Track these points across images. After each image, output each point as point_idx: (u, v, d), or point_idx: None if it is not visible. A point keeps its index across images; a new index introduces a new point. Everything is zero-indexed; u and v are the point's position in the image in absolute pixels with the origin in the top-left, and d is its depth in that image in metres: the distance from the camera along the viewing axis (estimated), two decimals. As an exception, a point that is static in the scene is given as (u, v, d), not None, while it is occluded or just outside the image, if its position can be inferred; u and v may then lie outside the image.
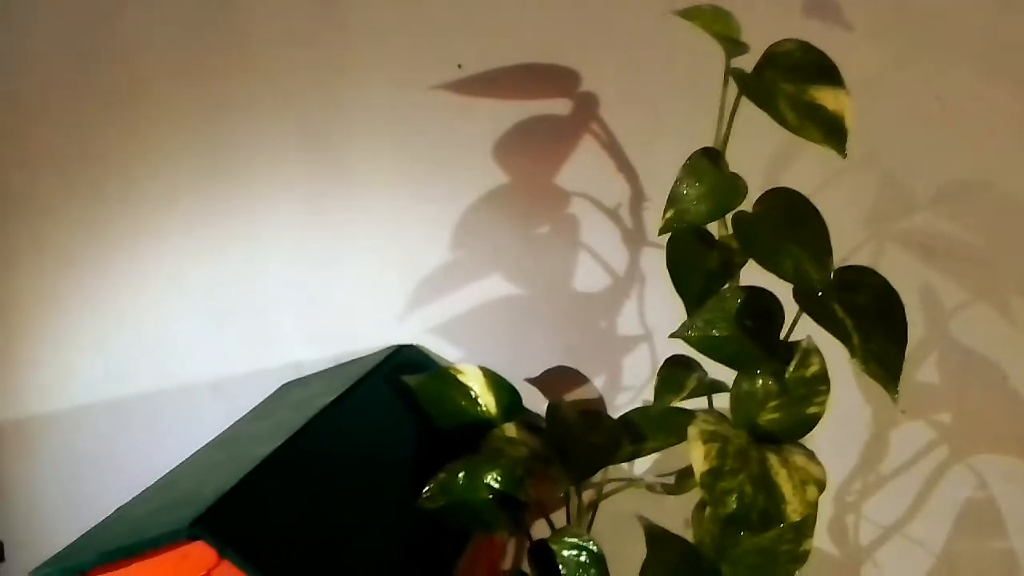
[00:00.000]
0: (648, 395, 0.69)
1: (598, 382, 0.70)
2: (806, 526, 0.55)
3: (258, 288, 0.78)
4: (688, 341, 0.52)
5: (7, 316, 0.87)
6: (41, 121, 0.79)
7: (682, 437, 0.61)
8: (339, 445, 0.59)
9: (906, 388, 0.63)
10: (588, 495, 0.67)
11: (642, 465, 0.72)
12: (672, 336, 0.52)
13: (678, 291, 0.50)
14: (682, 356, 0.58)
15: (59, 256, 0.84)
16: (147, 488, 0.59)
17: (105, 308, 0.84)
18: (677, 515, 0.63)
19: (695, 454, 0.50)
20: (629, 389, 0.70)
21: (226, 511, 0.48)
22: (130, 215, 0.80)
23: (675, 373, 0.55)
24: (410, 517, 0.57)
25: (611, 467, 0.67)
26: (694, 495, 0.58)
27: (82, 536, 0.54)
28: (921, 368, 0.62)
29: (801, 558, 0.54)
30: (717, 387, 0.55)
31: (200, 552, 0.47)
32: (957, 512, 0.64)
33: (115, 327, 0.84)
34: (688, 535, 0.52)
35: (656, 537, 0.49)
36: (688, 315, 0.50)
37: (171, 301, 0.81)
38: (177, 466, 0.62)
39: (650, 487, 0.67)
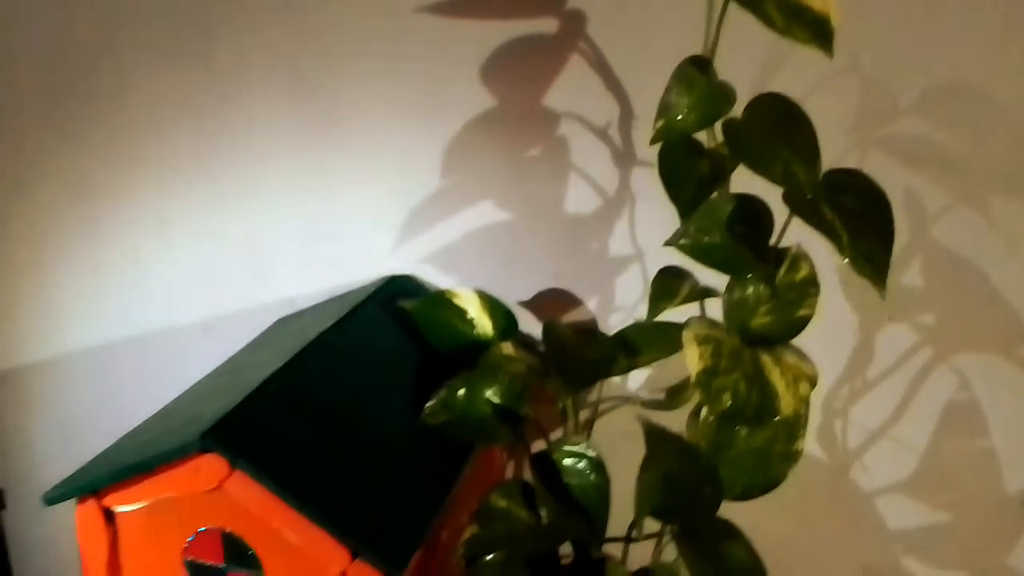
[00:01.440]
0: (640, 314, 0.70)
1: (591, 303, 0.72)
2: (798, 426, 0.57)
3: (248, 225, 0.78)
4: (681, 248, 0.53)
5: (-7, 266, 0.87)
6: (21, 60, 0.78)
7: (675, 349, 0.63)
8: (341, 365, 0.60)
9: (891, 293, 0.65)
10: (583, 414, 0.69)
11: (635, 385, 0.74)
12: (666, 244, 0.53)
13: (671, 198, 0.51)
14: (675, 267, 0.59)
15: (43, 204, 0.83)
16: (150, 417, 0.60)
17: (91, 254, 0.84)
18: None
19: (690, 355, 0.51)
20: (621, 309, 0.71)
21: (235, 425, 0.49)
22: (114, 159, 0.79)
23: (669, 282, 0.56)
24: (413, 433, 0.58)
25: (605, 386, 0.68)
26: (686, 411, 0.60)
27: (93, 459, 0.55)
28: (905, 273, 0.63)
29: (793, 457, 0.56)
30: (709, 293, 0.56)
31: (211, 465, 0.48)
32: (941, 412, 0.67)
33: (102, 271, 0.84)
34: None
35: (655, 435, 0.50)
36: (680, 222, 0.51)
37: (158, 242, 0.81)
38: (177, 396, 0.63)
39: (643, 404, 0.69)
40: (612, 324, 0.71)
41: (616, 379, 0.72)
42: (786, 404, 0.50)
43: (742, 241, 0.54)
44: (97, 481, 0.50)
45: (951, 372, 0.65)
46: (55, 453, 0.93)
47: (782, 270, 0.55)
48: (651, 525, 0.57)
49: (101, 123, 0.78)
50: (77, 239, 0.82)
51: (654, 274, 0.69)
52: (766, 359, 0.52)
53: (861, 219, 0.51)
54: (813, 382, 0.51)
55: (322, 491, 0.48)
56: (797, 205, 0.51)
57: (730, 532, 0.55)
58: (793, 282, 0.55)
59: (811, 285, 0.55)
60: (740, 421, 0.51)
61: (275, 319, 0.79)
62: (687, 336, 0.52)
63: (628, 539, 0.57)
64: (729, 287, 0.55)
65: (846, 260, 0.49)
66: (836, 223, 0.50)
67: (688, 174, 0.52)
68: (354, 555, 0.47)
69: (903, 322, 0.65)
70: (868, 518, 0.70)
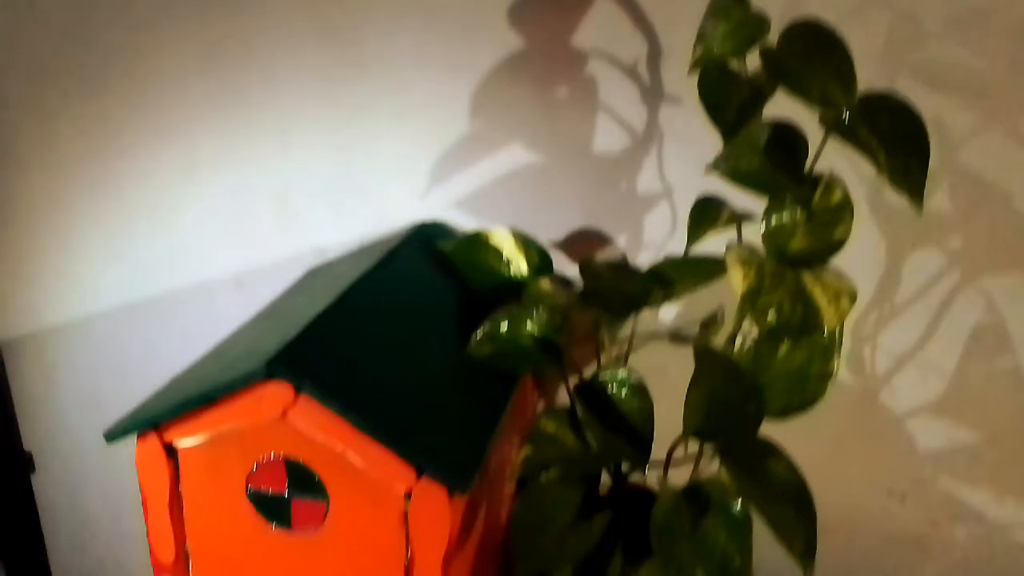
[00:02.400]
0: (670, 250, 0.71)
1: (620, 241, 0.73)
2: (833, 347, 0.59)
3: (276, 175, 0.79)
4: (722, 173, 0.55)
5: (16, 228, 0.87)
6: (42, 11, 0.78)
7: (708, 279, 0.65)
8: (387, 302, 0.61)
9: (918, 218, 0.67)
10: (616, 351, 0.70)
11: (665, 321, 0.76)
12: (707, 170, 0.54)
13: (714, 122, 0.52)
14: (711, 196, 0.60)
15: (66, 161, 0.83)
16: (201, 357, 0.61)
17: (116, 209, 0.84)
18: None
19: (734, 275, 0.53)
20: (651, 246, 0.72)
21: (298, 352, 0.50)
22: (138, 109, 0.79)
23: (707, 208, 0.57)
24: (460, 365, 0.59)
25: (637, 323, 0.70)
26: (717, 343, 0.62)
27: (151, 395, 0.56)
28: (932, 198, 0.65)
29: (829, 375, 0.58)
30: (746, 218, 0.58)
31: (276, 392, 0.49)
32: (968, 335, 0.68)
33: (127, 228, 0.85)
34: None
35: (704, 354, 0.52)
36: (724, 144, 0.53)
37: (185, 195, 0.82)
38: (223, 340, 0.64)
39: (674, 339, 0.71)
40: (642, 261, 0.72)
41: (646, 317, 0.73)
42: (829, 319, 0.52)
43: (779, 166, 0.56)
44: (158, 415, 0.51)
45: (977, 295, 0.67)
46: (84, 416, 0.94)
47: (817, 194, 0.57)
48: (685, 449, 0.59)
49: (124, 75, 0.78)
50: (101, 194, 0.83)
51: (682, 212, 0.71)
52: (807, 277, 0.53)
53: (896, 137, 0.53)
54: (853, 298, 0.53)
55: (386, 413, 0.49)
56: (834, 126, 0.53)
57: (771, 450, 0.57)
58: (828, 206, 0.57)
59: (845, 208, 0.57)
60: (785, 336, 0.53)
61: (305, 271, 0.80)
62: (730, 258, 0.54)
63: (668, 462, 0.59)
64: (766, 212, 0.57)
65: (884, 177, 0.51)
66: (873, 142, 0.52)
67: (729, 99, 0.53)
68: (419, 474, 0.49)
69: (930, 247, 0.67)
70: (895, 441, 0.73)
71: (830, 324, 0.51)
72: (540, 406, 0.78)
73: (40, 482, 0.99)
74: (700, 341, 0.53)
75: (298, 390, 0.48)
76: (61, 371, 0.93)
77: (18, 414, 0.97)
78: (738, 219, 0.57)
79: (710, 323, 0.70)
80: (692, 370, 0.58)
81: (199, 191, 0.81)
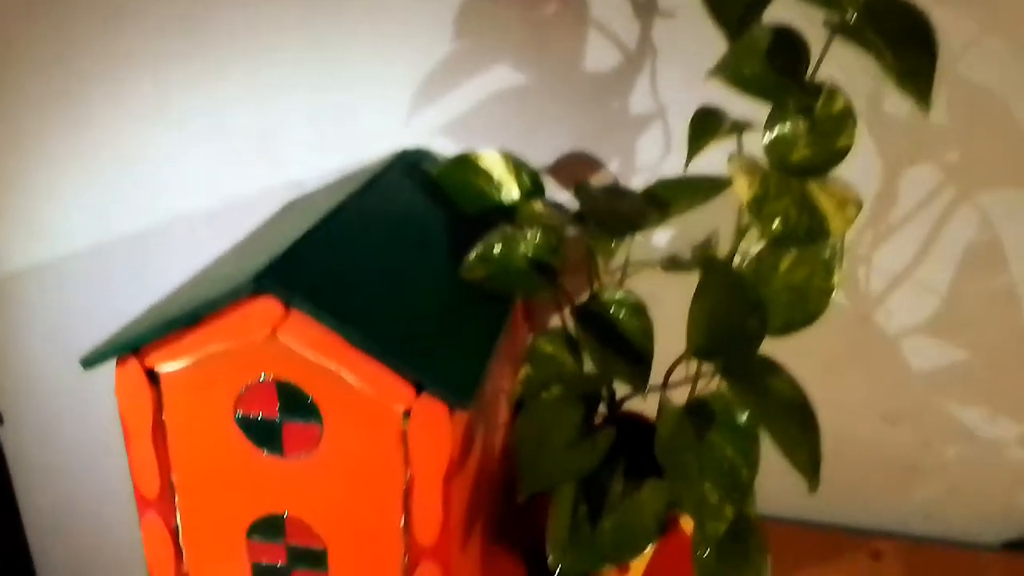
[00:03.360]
0: (664, 172, 0.69)
1: (612, 165, 0.71)
2: (834, 261, 0.58)
3: (251, 104, 0.75)
4: (723, 78, 0.53)
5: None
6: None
7: (704, 199, 0.63)
8: (375, 224, 0.59)
9: (915, 132, 0.66)
10: (609, 278, 0.69)
11: (657, 249, 0.74)
12: (709, 74, 0.52)
13: (718, 23, 0.50)
14: (710, 107, 0.59)
15: (29, 96, 0.79)
16: (179, 285, 0.58)
17: (86, 148, 0.80)
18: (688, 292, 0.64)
19: (739, 183, 0.51)
20: (643, 170, 0.70)
21: (286, 267, 0.47)
22: (107, 41, 0.75)
23: (708, 119, 0.56)
24: (453, 287, 0.57)
25: (631, 250, 0.68)
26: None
27: (132, 320, 0.53)
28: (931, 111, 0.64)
29: (831, 289, 0.57)
30: (748, 127, 0.56)
31: (264, 309, 0.46)
32: (963, 253, 0.68)
33: (96, 165, 0.80)
34: None
35: (711, 264, 0.50)
36: (729, 44, 0.51)
37: (158, 132, 0.77)
38: (201, 269, 0.61)
39: (668, 266, 0.70)
40: (635, 185, 0.70)
41: (638, 245, 0.71)
42: (835, 226, 0.51)
43: (782, 71, 0.54)
44: (138, 338, 0.48)
45: (973, 211, 0.66)
46: (54, 363, 0.90)
47: (819, 102, 0.55)
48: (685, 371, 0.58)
49: (91, 12, 0.73)
50: (68, 131, 0.78)
51: (676, 133, 0.69)
52: (812, 186, 0.52)
53: (903, 38, 0.51)
54: (859, 205, 0.52)
55: (382, 329, 0.47)
56: (840, 28, 0.51)
57: (772, 367, 0.56)
58: (830, 114, 0.55)
59: (848, 116, 0.55)
60: (792, 244, 0.52)
61: (282, 205, 0.77)
62: (734, 167, 0.52)
63: (666, 382, 0.58)
64: (768, 122, 0.55)
65: (891, 78, 0.49)
66: (879, 42, 0.50)
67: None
68: (418, 391, 0.47)
69: (927, 163, 0.66)
70: (889, 364, 0.73)
71: (837, 231, 0.50)
72: (529, 338, 0.77)
73: (8, 434, 0.96)
74: (705, 254, 0.51)
75: (288, 305, 0.46)
76: (27, 317, 0.89)
77: (-17, 364, 0.94)
78: (739, 128, 0.55)
79: (704, 248, 0.69)
80: (685, 297, 0.57)
81: (171, 125, 0.77)
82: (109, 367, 0.84)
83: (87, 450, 0.94)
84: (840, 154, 0.55)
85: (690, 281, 0.61)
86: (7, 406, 0.94)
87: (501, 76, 0.70)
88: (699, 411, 0.52)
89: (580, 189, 0.64)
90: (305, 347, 0.47)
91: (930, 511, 0.77)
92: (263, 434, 0.50)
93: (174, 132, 0.77)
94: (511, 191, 0.66)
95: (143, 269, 0.84)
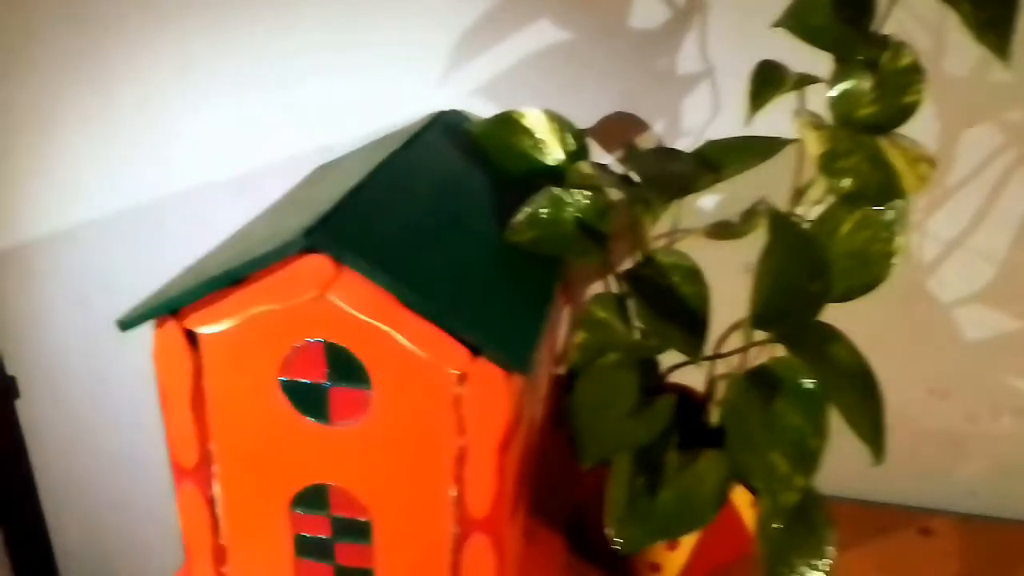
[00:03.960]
0: (710, 135, 0.67)
1: (658, 127, 0.68)
2: (897, 224, 0.56)
3: (277, 67, 0.72)
4: (790, 28, 0.50)
5: (-8, 133, 0.80)
6: None
7: (757, 161, 0.61)
8: (416, 183, 0.56)
9: (976, 92, 0.63)
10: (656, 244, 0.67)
11: (703, 215, 0.72)
12: (774, 25, 0.50)
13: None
14: (773, 61, 0.56)
15: (49, 58, 0.76)
16: (219, 244, 0.55)
17: (104, 108, 0.77)
18: (733, 261, 0.62)
19: (810, 139, 0.49)
20: (689, 133, 0.68)
21: (338, 224, 0.45)
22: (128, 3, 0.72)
23: (771, 72, 0.53)
24: (501, 249, 0.55)
25: (677, 216, 0.66)
26: (752, 240, 0.58)
27: (168, 282, 0.51)
28: (992, 66, 0.62)
29: (894, 253, 0.55)
30: (813, 80, 0.54)
31: (314, 267, 0.44)
32: (1020, 219, 0.66)
33: (116, 128, 0.78)
34: (746, 280, 0.52)
35: (778, 220, 0.48)
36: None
37: (180, 92, 0.75)
38: (237, 230, 0.59)
39: (709, 234, 0.67)
40: (681, 148, 0.68)
41: (683, 211, 0.69)
42: (908, 184, 0.49)
43: (848, 22, 0.52)
44: (178, 298, 0.46)
45: (1034, 174, 0.64)
46: (72, 334, 0.88)
47: (886, 56, 0.53)
48: (735, 342, 0.56)
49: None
50: (87, 92, 0.76)
51: (725, 94, 0.67)
52: (883, 142, 0.50)
53: (981, -13, 0.49)
54: (932, 164, 0.50)
55: (436, 289, 0.45)
56: (916, -25, 0.49)
57: (832, 333, 0.54)
58: (897, 68, 0.53)
59: (916, 71, 0.53)
60: (864, 202, 0.49)
61: (311, 170, 0.74)
62: (802, 123, 0.50)
63: (718, 348, 0.56)
64: (834, 76, 0.53)
65: (970, 29, 0.47)
66: (958, -10, 0.48)
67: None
68: (474, 354, 0.44)
69: (986, 123, 0.63)
70: (939, 336, 0.70)
71: (911, 189, 0.48)
72: (566, 311, 0.75)
73: (25, 407, 0.94)
74: (774, 209, 0.49)
75: (340, 262, 0.43)
76: (46, 286, 0.87)
77: (-2, 336, 0.91)
78: (805, 83, 0.53)
79: (752, 215, 0.67)
80: (726, 268, 0.56)
81: (193, 87, 0.74)
82: (135, 336, 0.82)
83: (104, 424, 0.92)
84: (907, 111, 0.53)
85: (733, 251, 0.59)
86: (24, 379, 0.92)
87: (540, 33, 0.67)
88: (763, 378, 0.50)
89: (630, 149, 0.61)
90: (356, 307, 0.44)
91: (976, 488, 0.76)
92: (309, 400, 0.48)
93: (196, 93, 0.75)
94: (555, 152, 0.63)
95: (164, 238, 0.82)
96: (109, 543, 1.00)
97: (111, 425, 0.92)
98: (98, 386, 0.90)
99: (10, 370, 0.92)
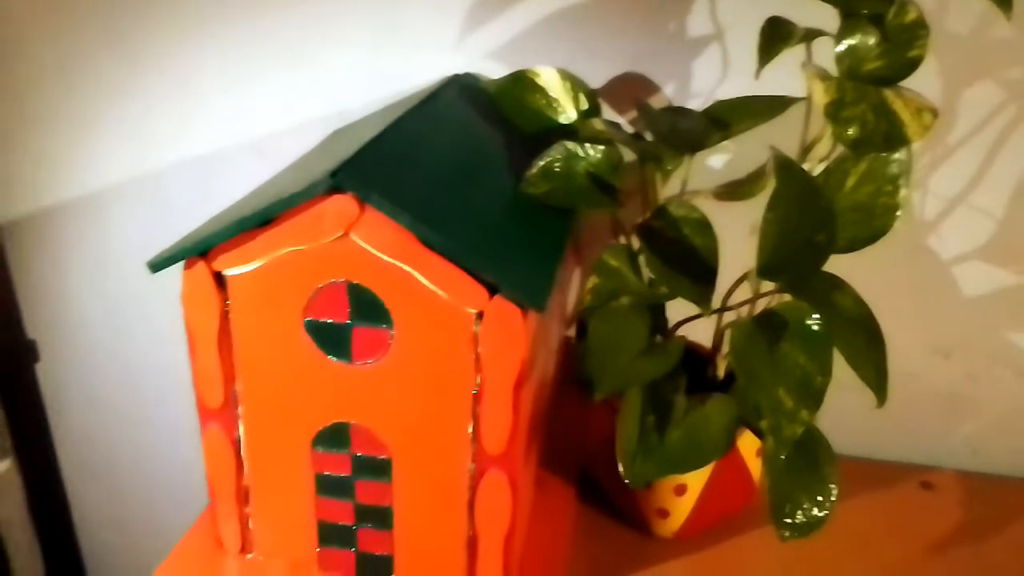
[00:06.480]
0: (720, 95, 0.68)
1: (668, 89, 0.70)
2: (902, 176, 0.57)
3: (293, 30, 0.74)
4: (798, -17, 0.52)
5: (15, 100, 0.81)
6: None
7: (765, 119, 0.63)
8: (435, 136, 0.58)
9: (978, 49, 0.65)
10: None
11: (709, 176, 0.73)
12: (782, -21, 0.51)
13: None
14: (780, 16, 0.58)
15: (70, 24, 0.77)
16: (240, 198, 0.57)
17: (126, 78, 0.79)
18: (742, 223, 0.63)
19: (816, 89, 0.51)
20: (699, 95, 0.69)
21: (362, 166, 0.47)
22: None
23: (779, 26, 0.55)
24: (516, 199, 0.56)
25: (687, 173, 0.68)
26: (760, 201, 0.59)
27: (198, 226, 0.52)
28: (996, 24, 0.63)
29: (898, 206, 0.57)
30: (820, 34, 0.55)
31: (339, 207, 0.46)
32: (1020, 176, 0.67)
33: (139, 98, 0.80)
34: (753, 242, 0.53)
35: (784, 167, 0.50)
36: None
37: (199, 58, 0.77)
38: (264, 182, 0.60)
39: (719, 195, 0.69)
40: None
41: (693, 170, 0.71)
42: (913, 132, 0.50)
43: (856, -23, 0.53)
44: (207, 239, 0.48)
45: (1034, 132, 0.65)
46: (93, 297, 0.90)
47: (891, 13, 0.55)
48: (742, 293, 0.57)
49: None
50: (107, 60, 0.77)
51: (735, 56, 0.68)
52: (888, 93, 0.51)
53: (985, -58, 0.50)
54: (935, 113, 0.51)
55: (456, 231, 0.47)
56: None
57: (836, 282, 0.55)
58: (903, 24, 0.54)
59: (920, 27, 0.54)
60: (869, 149, 0.51)
61: (327, 134, 0.76)
62: (810, 74, 0.51)
63: (727, 299, 0.58)
64: (840, 32, 0.54)
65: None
66: (962, -55, 0.50)
67: None
68: (491, 293, 0.46)
69: (987, 80, 0.65)
70: (942, 292, 0.72)
71: (914, 137, 0.49)
72: (577, 271, 0.76)
73: (44, 371, 0.96)
74: (781, 155, 0.51)
75: (364, 203, 0.45)
76: (67, 250, 0.89)
77: (20, 300, 0.93)
78: (812, 37, 0.54)
79: (759, 175, 0.68)
80: (734, 226, 0.57)
81: (211, 52, 0.76)
82: (154, 299, 0.83)
83: (123, 388, 0.94)
84: (911, 65, 0.54)
85: (741, 211, 0.60)
86: (44, 343, 0.94)
87: (553, -3, 0.69)
88: (770, 321, 0.51)
89: (642, 107, 0.63)
90: (379, 247, 0.46)
91: (977, 446, 0.77)
92: (331, 340, 0.50)
93: (213, 56, 0.76)
94: (568, 110, 0.65)
95: (185, 205, 0.83)
96: (129, 505, 1.02)
97: (130, 388, 0.94)
98: (117, 349, 0.92)
99: (30, 334, 0.94)
